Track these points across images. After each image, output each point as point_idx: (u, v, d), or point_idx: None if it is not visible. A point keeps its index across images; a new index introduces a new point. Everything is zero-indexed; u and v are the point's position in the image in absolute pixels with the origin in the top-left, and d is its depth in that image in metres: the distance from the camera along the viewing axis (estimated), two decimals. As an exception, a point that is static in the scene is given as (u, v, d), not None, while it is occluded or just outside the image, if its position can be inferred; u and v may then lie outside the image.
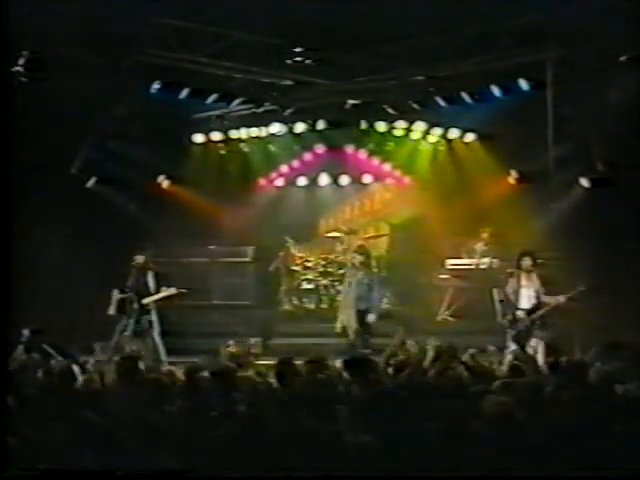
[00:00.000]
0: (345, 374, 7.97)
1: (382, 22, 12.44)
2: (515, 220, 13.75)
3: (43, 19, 11.16)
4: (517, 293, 11.62)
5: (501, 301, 11.90)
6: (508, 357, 10.58)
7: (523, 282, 11.65)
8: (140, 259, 12.61)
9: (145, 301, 12.38)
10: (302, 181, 16.45)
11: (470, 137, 15.05)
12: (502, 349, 11.25)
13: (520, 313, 11.51)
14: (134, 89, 13.85)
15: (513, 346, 11.15)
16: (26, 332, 10.80)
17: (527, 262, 11.72)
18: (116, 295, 12.38)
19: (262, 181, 16.32)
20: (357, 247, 13.51)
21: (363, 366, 8.33)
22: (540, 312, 11.39)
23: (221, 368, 8.22)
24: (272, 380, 7.78)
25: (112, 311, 12.27)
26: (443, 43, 13.33)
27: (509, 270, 12.03)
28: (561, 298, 11.34)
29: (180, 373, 8.15)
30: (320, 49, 13.48)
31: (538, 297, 11.50)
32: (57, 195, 13.02)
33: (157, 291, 12.41)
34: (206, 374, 7.98)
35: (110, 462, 5.79)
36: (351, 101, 14.68)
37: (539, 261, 12.25)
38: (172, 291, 12.44)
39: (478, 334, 12.56)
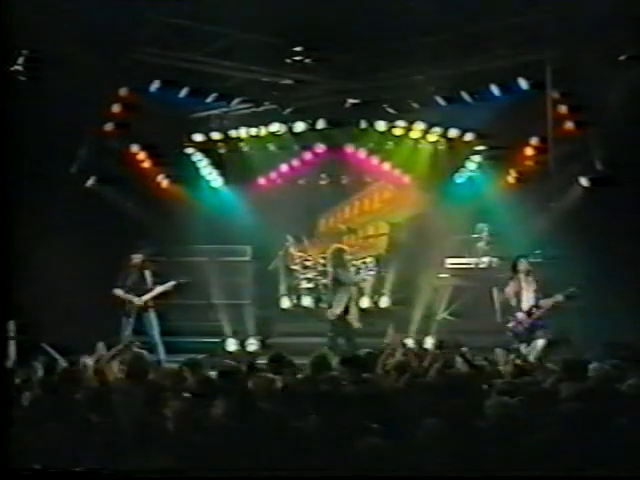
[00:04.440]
0: (344, 373, 7.98)
1: (382, 22, 12.45)
2: (515, 219, 13.75)
3: (43, 19, 11.16)
4: (517, 294, 11.65)
5: (501, 301, 11.94)
6: (509, 357, 10.59)
7: (522, 283, 11.66)
8: (137, 258, 12.68)
9: (144, 298, 12.47)
10: (302, 180, 16.45)
11: (469, 136, 15.04)
12: (502, 349, 11.27)
13: (519, 314, 11.53)
14: (134, 88, 13.83)
15: (513, 346, 11.17)
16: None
17: (523, 264, 11.74)
18: (120, 293, 12.52)
19: (262, 180, 16.32)
20: (336, 250, 13.36)
21: (361, 365, 8.36)
22: (537, 313, 11.42)
23: (221, 367, 8.24)
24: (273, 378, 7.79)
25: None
26: (443, 43, 13.33)
27: (509, 273, 12.05)
28: (556, 298, 11.37)
29: (179, 372, 8.17)
30: (320, 48, 13.47)
31: (537, 298, 11.52)
32: (57, 195, 13.02)
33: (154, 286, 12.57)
34: (205, 373, 8.00)
35: (110, 462, 5.79)
36: (351, 100, 14.68)
37: (538, 261, 12.29)
38: (168, 286, 12.55)
39: (477, 334, 12.56)
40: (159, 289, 12.65)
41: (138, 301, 12.55)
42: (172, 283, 12.67)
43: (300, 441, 6.03)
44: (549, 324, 11.48)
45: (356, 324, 12.64)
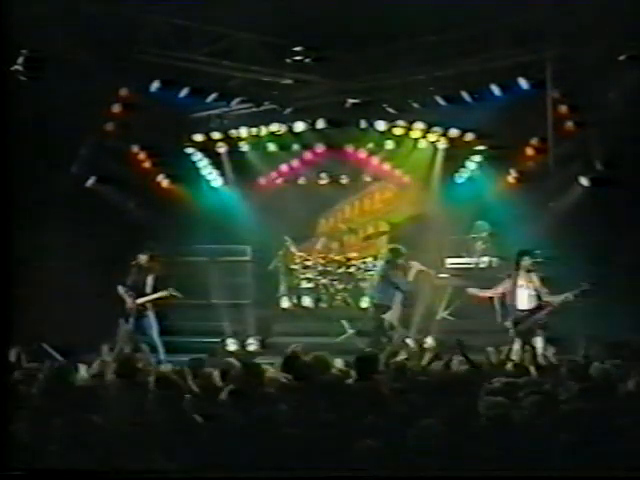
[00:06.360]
0: (353, 373, 7.96)
1: (382, 22, 12.45)
2: (515, 219, 13.76)
3: (43, 19, 11.16)
4: (516, 292, 11.63)
5: (501, 301, 11.94)
6: (509, 356, 10.59)
7: (522, 281, 11.65)
8: (143, 259, 12.65)
9: (139, 301, 12.44)
10: (302, 180, 16.47)
11: (469, 136, 15.05)
12: (503, 348, 11.26)
13: (520, 313, 11.52)
14: (134, 88, 13.83)
15: (514, 345, 11.16)
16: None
17: (526, 261, 11.73)
18: (121, 291, 12.48)
19: (262, 180, 16.33)
20: (393, 250, 13.25)
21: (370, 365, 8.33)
22: (544, 312, 11.39)
23: (221, 367, 8.23)
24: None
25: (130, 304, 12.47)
26: (443, 43, 13.34)
27: (508, 272, 12.04)
28: (566, 296, 11.33)
29: (180, 372, 8.16)
30: (320, 48, 13.47)
31: (539, 297, 11.50)
32: (57, 194, 13.02)
33: (154, 292, 12.51)
34: (204, 373, 8.00)
35: (110, 462, 5.79)
36: (351, 100, 14.69)
37: (538, 260, 12.28)
38: (163, 294, 12.51)
39: (477, 333, 12.55)
40: (153, 296, 12.59)
41: (131, 303, 12.50)
42: (166, 292, 12.62)
43: (301, 441, 6.03)
44: (549, 323, 11.46)
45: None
